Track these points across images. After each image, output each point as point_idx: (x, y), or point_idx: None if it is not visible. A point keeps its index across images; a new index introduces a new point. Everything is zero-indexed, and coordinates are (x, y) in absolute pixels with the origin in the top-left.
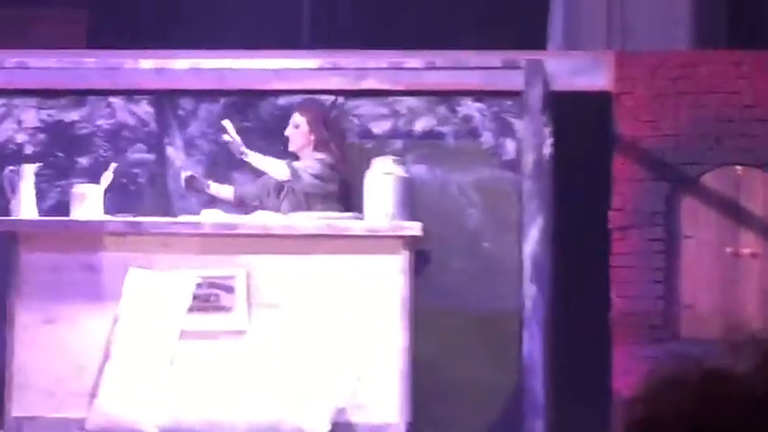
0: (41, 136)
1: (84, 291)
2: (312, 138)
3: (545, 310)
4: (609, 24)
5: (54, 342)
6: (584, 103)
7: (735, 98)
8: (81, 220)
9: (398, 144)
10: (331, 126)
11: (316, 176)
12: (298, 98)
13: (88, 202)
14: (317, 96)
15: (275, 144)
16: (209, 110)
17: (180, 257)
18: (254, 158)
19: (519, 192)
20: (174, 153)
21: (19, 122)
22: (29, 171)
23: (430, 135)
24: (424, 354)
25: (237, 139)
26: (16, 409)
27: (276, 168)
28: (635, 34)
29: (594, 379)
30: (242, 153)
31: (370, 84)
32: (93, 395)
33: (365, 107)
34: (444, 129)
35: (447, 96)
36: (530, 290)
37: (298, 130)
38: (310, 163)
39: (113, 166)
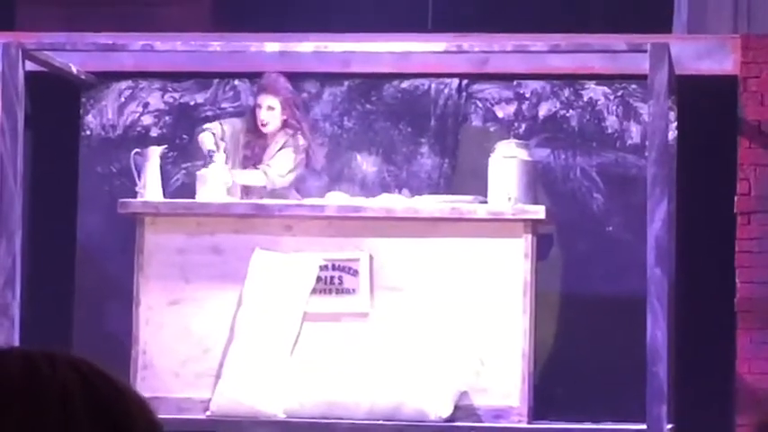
0: (167, 118)
1: (209, 272)
2: (283, 118)
3: (669, 294)
4: (735, 7)
5: (179, 323)
6: (710, 87)
7: None
8: (206, 203)
9: (522, 127)
10: (297, 102)
11: (284, 174)
12: (423, 81)
13: (212, 184)
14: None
15: (398, 127)
16: (334, 93)
17: (304, 240)
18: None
19: (643, 176)
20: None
21: (145, 105)
22: (154, 153)
23: (554, 119)
24: (547, 338)
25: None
26: (141, 389)
27: (254, 178)
28: (761, 17)
29: (718, 364)
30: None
31: (494, 67)
32: (217, 376)
33: (489, 91)
34: (569, 112)
35: (571, 80)
36: (654, 274)
37: (273, 112)
38: (281, 163)
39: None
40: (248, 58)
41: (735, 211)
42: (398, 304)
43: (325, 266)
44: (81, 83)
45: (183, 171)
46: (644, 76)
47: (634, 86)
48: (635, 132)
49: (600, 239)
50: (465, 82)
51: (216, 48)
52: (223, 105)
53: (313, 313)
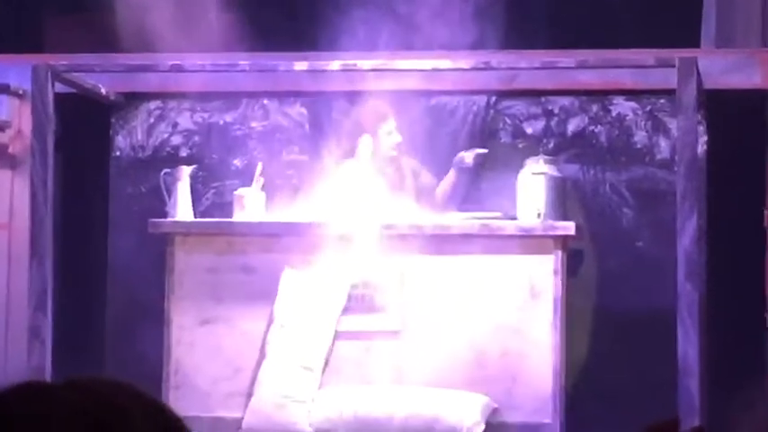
0: (196, 138)
1: (240, 291)
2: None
3: (700, 309)
4: (763, 21)
5: (210, 342)
6: (738, 101)
7: None
8: (236, 222)
9: (551, 144)
10: None
11: None
12: (452, 99)
13: (249, 204)
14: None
15: (426, 145)
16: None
17: (335, 258)
18: None
19: (673, 190)
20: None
21: (174, 125)
22: (184, 173)
23: (583, 134)
24: (578, 354)
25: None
26: (173, 409)
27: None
28: None
29: (750, 379)
30: None
31: (522, 84)
32: (248, 395)
33: (518, 107)
34: (597, 128)
35: (600, 95)
36: (684, 289)
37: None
38: None
39: (260, 166)
40: (277, 77)
41: (765, 224)
42: (429, 322)
43: (356, 285)
44: (110, 104)
45: (213, 190)
46: (672, 91)
47: (663, 101)
48: (664, 147)
49: (630, 255)
50: (493, 99)
51: (244, 67)
52: (252, 125)
53: (344, 332)
